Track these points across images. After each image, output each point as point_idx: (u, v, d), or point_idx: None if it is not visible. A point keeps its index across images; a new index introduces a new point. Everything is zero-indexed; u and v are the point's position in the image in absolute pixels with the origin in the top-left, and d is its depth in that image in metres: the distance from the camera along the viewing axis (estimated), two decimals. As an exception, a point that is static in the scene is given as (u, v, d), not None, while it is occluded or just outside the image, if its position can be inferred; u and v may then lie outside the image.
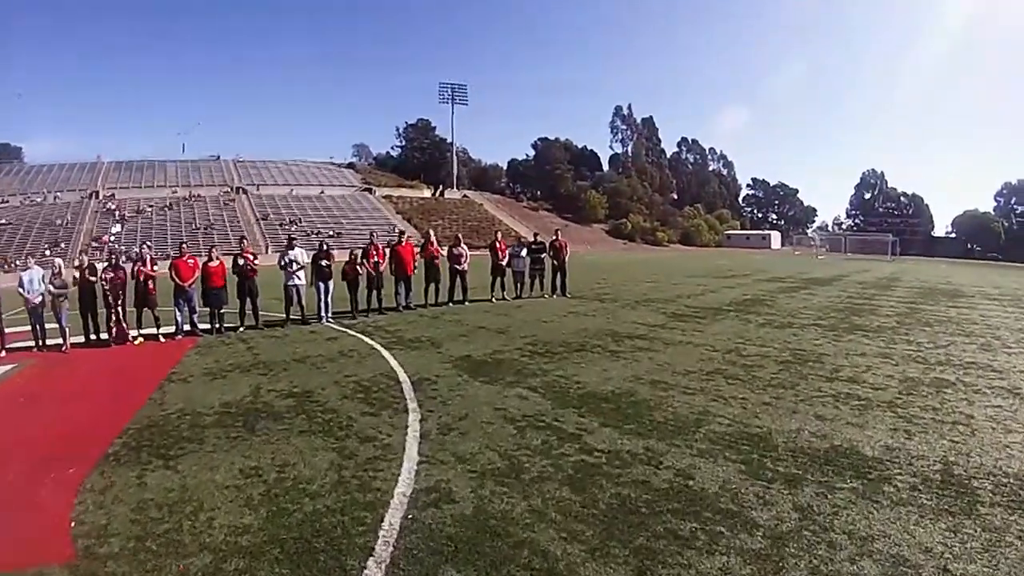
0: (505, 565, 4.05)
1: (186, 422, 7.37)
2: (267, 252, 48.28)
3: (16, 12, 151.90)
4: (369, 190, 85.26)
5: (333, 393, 8.62)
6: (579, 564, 4.05)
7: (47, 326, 12.99)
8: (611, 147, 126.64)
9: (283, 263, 15.28)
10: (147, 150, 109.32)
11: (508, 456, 6.05)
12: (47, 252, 45.95)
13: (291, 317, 15.43)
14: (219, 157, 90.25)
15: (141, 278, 13.67)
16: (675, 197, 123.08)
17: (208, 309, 14.33)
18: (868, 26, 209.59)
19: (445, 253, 18.34)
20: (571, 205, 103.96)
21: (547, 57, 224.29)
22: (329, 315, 15.72)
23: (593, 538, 4.38)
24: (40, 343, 12.85)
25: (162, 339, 13.47)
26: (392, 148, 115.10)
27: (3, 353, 12.42)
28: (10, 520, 4.99)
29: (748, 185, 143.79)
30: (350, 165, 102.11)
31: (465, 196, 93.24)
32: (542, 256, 20.37)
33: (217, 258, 14.56)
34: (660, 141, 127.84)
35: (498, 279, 19.41)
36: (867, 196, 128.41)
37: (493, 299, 19.13)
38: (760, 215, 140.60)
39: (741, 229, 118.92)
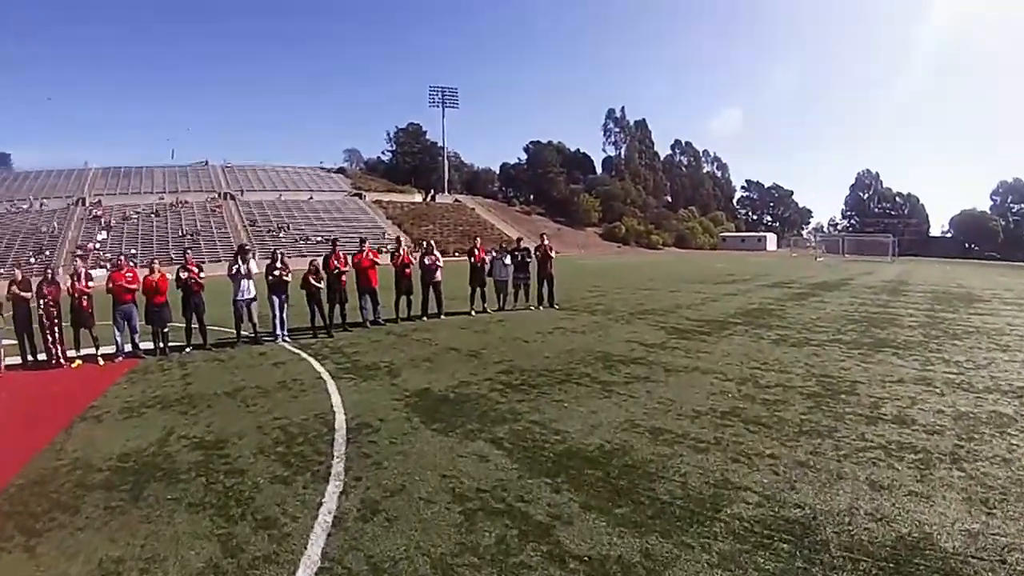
0: None
1: (73, 479, 6.09)
2: (255, 259, 45.73)
3: (8, 16, 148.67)
4: (359, 195, 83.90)
5: (250, 444, 6.91)
6: None
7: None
8: (604, 150, 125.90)
9: (231, 274, 13.66)
10: (136, 157, 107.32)
11: (444, 568, 4.18)
12: (32, 260, 45.04)
13: (243, 335, 13.77)
14: (207, 163, 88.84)
15: (75, 295, 12.41)
16: (669, 200, 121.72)
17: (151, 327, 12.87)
18: (861, 26, 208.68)
19: (416, 261, 16.45)
20: (564, 208, 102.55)
21: (539, 60, 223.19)
22: (285, 333, 14.05)
23: None
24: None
25: (101, 361, 12.21)
26: (383, 153, 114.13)
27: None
28: None
29: (742, 187, 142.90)
30: (340, 170, 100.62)
31: (457, 200, 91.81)
32: (527, 263, 18.39)
33: (158, 271, 13.09)
34: (653, 143, 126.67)
35: (478, 290, 17.51)
36: (862, 197, 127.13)
37: (472, 312, 17.25)
38: (755, 217, 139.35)
39: (736, 231, 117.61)
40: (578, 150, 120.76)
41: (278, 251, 14.80)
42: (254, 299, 13.69)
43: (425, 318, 16.37)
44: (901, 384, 9.04)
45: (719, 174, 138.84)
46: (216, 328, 14.24)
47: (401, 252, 16.18)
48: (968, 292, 25.62)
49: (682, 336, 13.26)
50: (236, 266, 13.61)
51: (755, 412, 7.59)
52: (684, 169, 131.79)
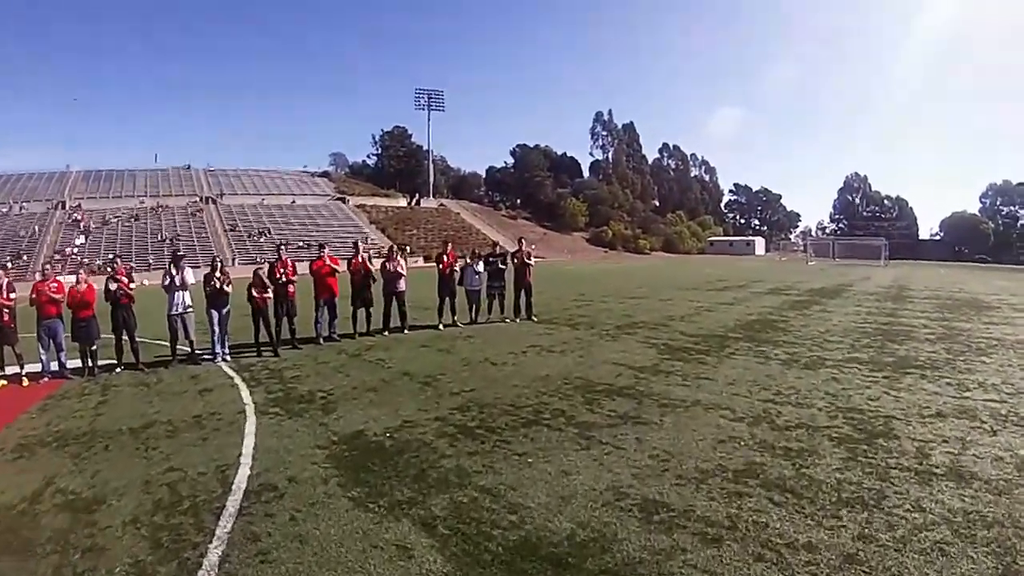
0: None
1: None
2: (234, 265, 44.97)
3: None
4: (342, 199, 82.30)
5: (127, 506, 5.40)
6: None
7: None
8: (591, 153, 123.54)
9: (164, 284, 12.00)
10: (120, 160, 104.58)
11: None
12: (8, 265, 43.22)
13: (179, 353, 12.09)
14: (190, 166, 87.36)
15: (-6, 308, 10.88)
16: (657, 204, 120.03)
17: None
18: (849, 31, 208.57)
19: (377, 268, 14.65)
20: (551, 213, 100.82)
21: (527, 62, 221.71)
22: (226, 351, 12.33)
23: None
24: None
25: (25, 381, 10.80)
26: (368, 157, 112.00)
27: None
28: None
29: (730, 191, 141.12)
30: (324, 174, 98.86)
31: (442, 205, 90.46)
32: (502, 271, 16.53)
33: (84, 280, 11.66)
34: (641, 147, 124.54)
35: (447, 300, 15.66)
36: (851, 199, 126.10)
37: (441, 326, 15.44)
38: (743, 221, 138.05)
39: (724, 235, 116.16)
40: (565, 153, 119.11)
41: (217, 258, 13.01)
42: (189, 311, 12.05)
43: (387, 333, 14.59)
44: (942, 419, 7.46)
45: (707, 178, 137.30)
46: (162, 343, 12.74)
47: (359, 257, 14.36)
48: (974, 298, 24.27)
49: (677, 356, 11.51)
50: (170, 276, 11.96)
51: (778, 470, 5.83)
52: (672, 173, 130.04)
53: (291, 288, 13.02)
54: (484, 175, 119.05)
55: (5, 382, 10.79)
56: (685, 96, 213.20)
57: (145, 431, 7.63)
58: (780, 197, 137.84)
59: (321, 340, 13.66)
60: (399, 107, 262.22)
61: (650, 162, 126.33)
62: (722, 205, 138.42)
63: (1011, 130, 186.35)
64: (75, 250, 52.57)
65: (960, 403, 8.17)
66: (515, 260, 16.62)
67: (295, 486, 5.71)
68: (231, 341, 12.59)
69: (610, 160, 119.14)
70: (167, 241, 55.61)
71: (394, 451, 6.61)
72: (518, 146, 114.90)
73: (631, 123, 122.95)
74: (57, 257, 48.27)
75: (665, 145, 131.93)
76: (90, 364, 11.33)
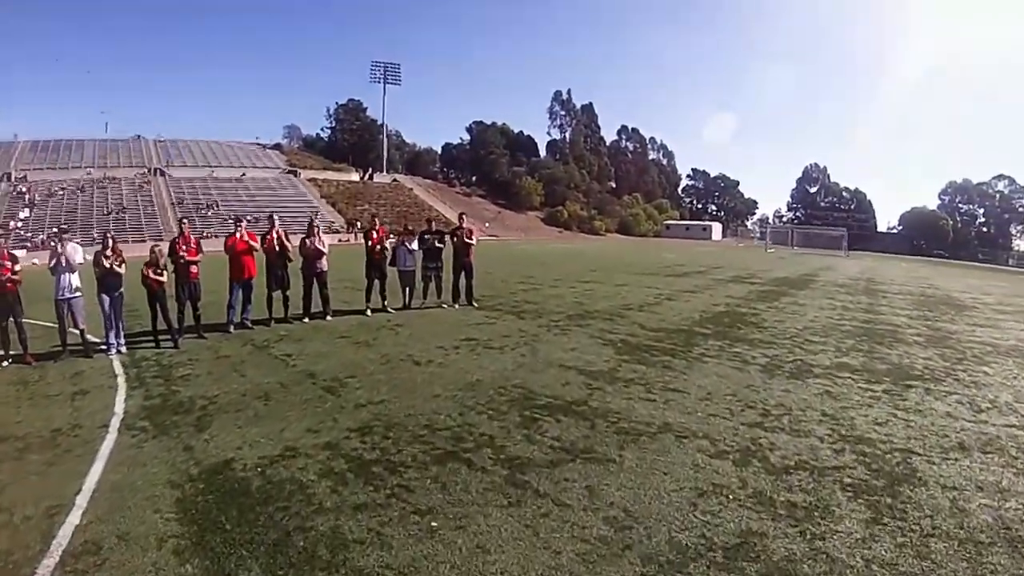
0: None
1: None
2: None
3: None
4: (294, 173, 78.84)
5: None
6: None
7: None
8: (549, 133, 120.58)
9: (50, 266, 10.06)
10: (71, 131, 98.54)
11: None
12: None
13: (69, 344, 10.04)
14: (140, 137, 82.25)
15: None
16: (613, 185, 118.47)
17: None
18: (809, 20, 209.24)
19: (296, 245, 12.64)
20: (506, 191, 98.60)
21: (486, 36, 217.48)
22: (121, 341, 10.35)
23: None
24: None
25: None
26: (322, 130, 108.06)
27: None
28: None
29: (688, 176, 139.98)
30: (276, 146, 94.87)
31: (395, 180, 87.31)
32: (439, 250, 14.52)
33: None
34: (600, 128, 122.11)
35: (376, 282, 13.70)
36: (809, 189, 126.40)
37: (369, 311, 13.49)
38: (700, 206, 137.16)
39: (681, 219, 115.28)
40: (522, 132, 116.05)
41: (108, 234, 10.89)
42: (76, 296, 10.07)
43: (307, 320, 12.65)
44: (966, 455, 6.02)
45: (665, 162, 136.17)
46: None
47: (273, 233, 12.34)
48: (948, 296, 23.29)
49: (638, 357, 9.77)
50: (55, 255, 10.00)
51: (784, 544, 4.17)
52: (630, 155, 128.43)
53: (194, 269, 11.04)
54: (440, 151, 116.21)
55: None
56: (646, 80, 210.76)
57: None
58: (738, 183, 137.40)
59: (232, 328, 11.72)
60: (355, 82, 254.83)
61: (608, 144, 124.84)
62: (679, 190, 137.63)
63: (971, 128, 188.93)
64: (19, 224, 48.80)
65: (979, 429, 6.76)
66: (455, 238, 14.69)
67: (122, 548, 4.12)
68: (130, 329, 10.83)
69: (567, 140, 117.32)
70: (112, 214, 52.34)
71: (260, 498, 4.80)
72: (474, 123, 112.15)
73: (590, 104, 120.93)
74: (1, 231, 44.56)
75: (624, 127, 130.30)
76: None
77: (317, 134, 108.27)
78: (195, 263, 11.05)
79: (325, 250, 12.75)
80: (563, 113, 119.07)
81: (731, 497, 4.86)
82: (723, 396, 7.65)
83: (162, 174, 68.57)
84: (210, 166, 75.01)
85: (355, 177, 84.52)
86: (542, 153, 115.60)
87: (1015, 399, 8.14)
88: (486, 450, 5.80)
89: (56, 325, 10.03)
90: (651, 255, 43.10)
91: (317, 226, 13.07)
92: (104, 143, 77.63)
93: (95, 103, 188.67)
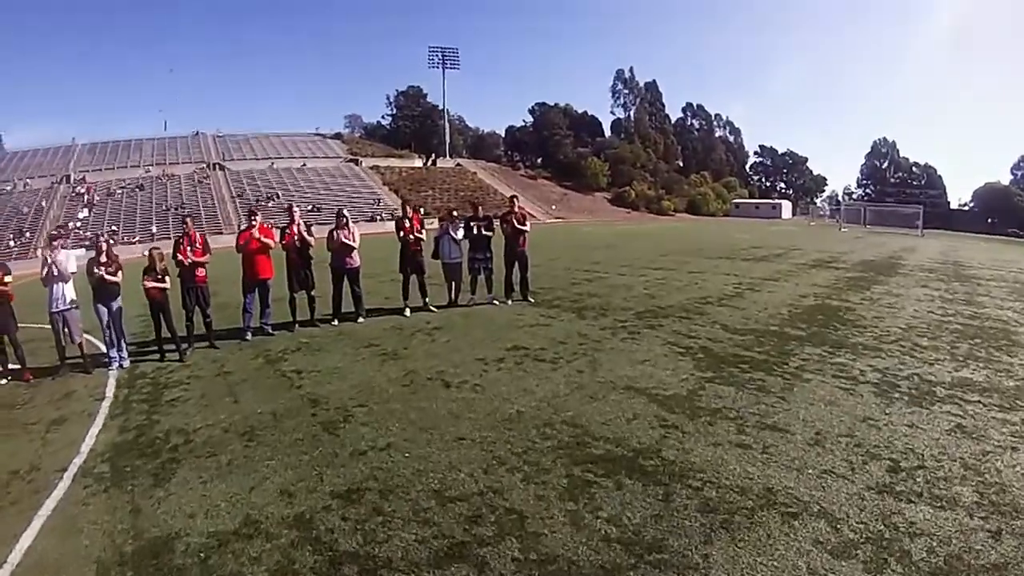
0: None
1: None
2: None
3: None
4: (355, 161, 78.87)
5: None
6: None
7: None
8: (612, 112, 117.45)
9: (43, 276, 9.16)
10: (131, 131, 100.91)
11: None
12: (11, 244, 43.00)
13: (68, 359, 9.25)
14: (198, 133, 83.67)
15: None
16: (680, 164, 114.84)
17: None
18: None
19: (321, 239, 11.23)
20: (571, 173, 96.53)
21: (545, 17, 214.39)
22: (124, 355, 9.39)
23: None
24: None
25: None
26: (383, 117, 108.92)
27: None
28: None
29: (756, 152, 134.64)
30: (337, 136, 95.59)
31: (458, 165, 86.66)
32: (488, 239, 12.76)
33: None
34: (664, 106, 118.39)
35: (412, 277, 12.16)
36: (878, 165, 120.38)
37: (407, 311, 12.03)
38: (768, 184, 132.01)
39: (749, 198, 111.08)
40: (586, 112, 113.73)
41: (102, 239, 9.86)
42: (71, 308, 9.17)
43: (335, 322, 11.31)
44: None
45: (732, 139, 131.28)
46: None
47: (293, 227, 10.90)
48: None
49: (724, 373, 7.94)
50: (45, 264, 9.11)
51: None
52: (696, 133, 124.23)
53: (201, 272, 9.88)
54: (503, 135, 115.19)
55: None
56: (710, 60, 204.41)
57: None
58: (806, 160, 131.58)
59: (249, 335, 10.50)
60: (416, 68, 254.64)
61: (673, 122, 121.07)
62: (747, 167, 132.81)
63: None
64: (78, 224, 49.93)
65: None
66: (504, 224, 12.98)
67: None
68: (144, 337, 10.12)
69: (632, 119, 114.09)
70: (171, 210, 53.00)
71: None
72: (537, 104, 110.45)
73: (653, 81, 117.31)
74: (59, 231, 45.46)
75: (689, 104, 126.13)
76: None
77: (378, 122, 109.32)
78: (202, 265, 9.88)
79: (355, 244, 11.29)
80: (626, 91, 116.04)
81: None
82: (837, 438, 5.79)
83: (221, 168, 69.55)
84: (269, 158, 75.86)
85: (418, 163, 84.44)
86: (607, 133, 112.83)
87: None
88: (511, 542, 4.14)
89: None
90: (723, 236, 40.52)
91: (347, 217, 11.59)
92: (163, 141, 79.37)
93: (152, 103, 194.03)
